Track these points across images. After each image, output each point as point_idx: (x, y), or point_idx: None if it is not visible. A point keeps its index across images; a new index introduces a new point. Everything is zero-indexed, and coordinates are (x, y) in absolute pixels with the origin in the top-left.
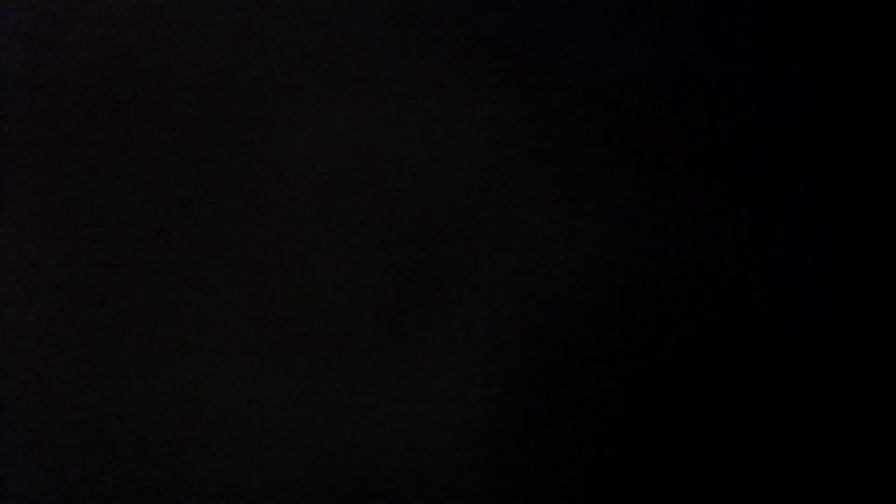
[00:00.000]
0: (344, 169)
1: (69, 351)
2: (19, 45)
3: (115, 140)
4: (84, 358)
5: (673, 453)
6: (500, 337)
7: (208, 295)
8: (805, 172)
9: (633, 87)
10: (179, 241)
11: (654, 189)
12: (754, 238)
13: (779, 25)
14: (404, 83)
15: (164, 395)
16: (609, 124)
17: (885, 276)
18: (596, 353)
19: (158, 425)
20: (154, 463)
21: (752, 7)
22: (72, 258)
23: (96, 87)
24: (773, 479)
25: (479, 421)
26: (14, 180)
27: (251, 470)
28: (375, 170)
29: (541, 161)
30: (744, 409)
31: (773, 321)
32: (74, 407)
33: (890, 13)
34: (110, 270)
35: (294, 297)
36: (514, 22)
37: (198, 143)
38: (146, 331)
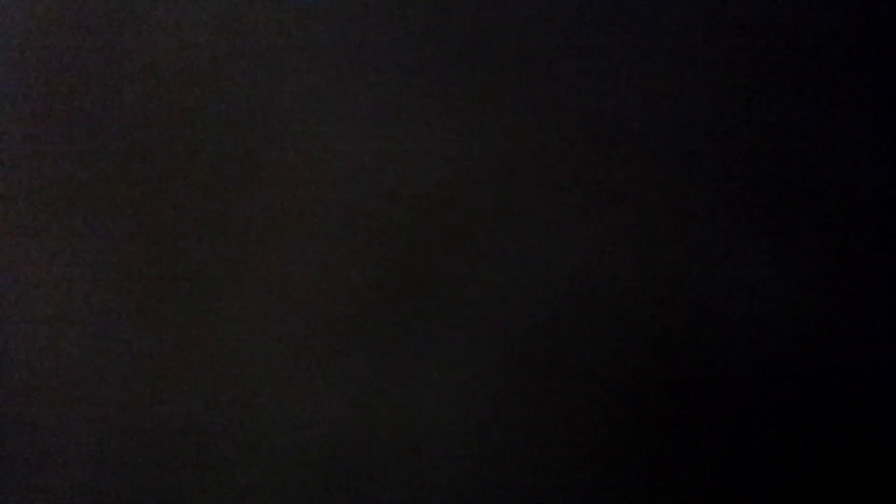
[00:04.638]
0: (354, 179)
1: (89, 350)
2: (50, 62)
3: (153, 156)
4: (109, 352)
5: (674, 454)
6: (504, 336)
7: (229, 298)
8: (790, 184)
9: (630, 98)
10: (203, 248)
11: (652, 197)
12: (750, 245)
13: (763, 47)
14: (410, 101)
15: (181, 390)
16: (606, 137)
17: (870, 280)
18: (596, 353)
19: (174, 422)
20: (172, 455)
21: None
22: (101, 263)
23: (128, 107)
24: (775, 479)
25: (484, 418)
26: (37, 191)
27: (263, 463)
28: (384, 179)
29: (543, 169)
30: (744, 410)
31: (771, 325)
32: (94, 403)
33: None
34: (140, 272)
35: (308, 299)
36: (516, 36)
37: (224, 161)
38: (163, 334)
